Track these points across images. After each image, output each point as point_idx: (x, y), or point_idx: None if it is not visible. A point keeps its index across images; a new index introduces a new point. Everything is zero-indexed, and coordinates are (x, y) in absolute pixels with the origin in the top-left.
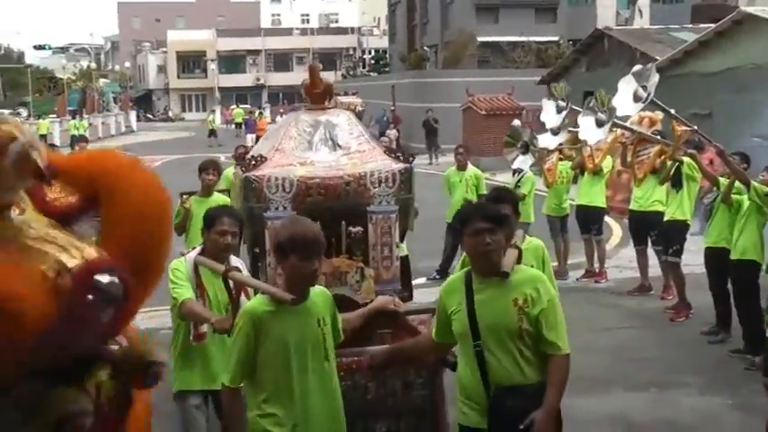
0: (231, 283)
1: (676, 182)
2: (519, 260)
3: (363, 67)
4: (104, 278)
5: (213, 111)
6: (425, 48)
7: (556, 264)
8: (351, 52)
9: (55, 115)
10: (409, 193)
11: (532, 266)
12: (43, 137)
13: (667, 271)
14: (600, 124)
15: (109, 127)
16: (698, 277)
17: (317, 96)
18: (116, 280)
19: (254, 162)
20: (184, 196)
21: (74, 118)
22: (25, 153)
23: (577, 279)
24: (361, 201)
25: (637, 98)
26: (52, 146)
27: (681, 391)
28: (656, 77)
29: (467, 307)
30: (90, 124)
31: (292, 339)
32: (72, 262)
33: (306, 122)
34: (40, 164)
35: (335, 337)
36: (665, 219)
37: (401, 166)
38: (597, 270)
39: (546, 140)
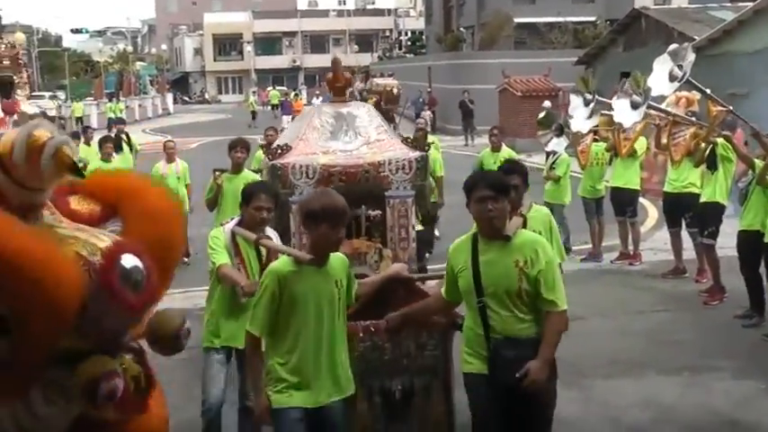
0: (263, 250)
1: (711, 163)
2: (524, 227)
3: (400, 49)
4: (129, 261)
5: (254, 92)
6: (462, 29)
7: (591, 246)
8: (387, 34)
9: (92, 98)
10: (425, 179)
11: (540, 233)
12: (79, 119)
13: (702, 253)
14: (635, 106)
15: (146, 109)
16: (732, 260)
17: (338, 90)
18: (140, 265)
19: (279, 151)
20: (217, 173)
21: (110, 101)
22: (61, 148)
23: (612, 261)
24: (379, 186)
25: (672, 78)
26: (89, 128)
27: (714, 375)
28: (691, 57)
29: (472, 266)
30: (127, 107)
31: (312, 297)
32: (103, 244)
33: (328, 114)
34: (75, 159)
35: (349, 299)
36: (702, 201)
37: (417, 154)
38: (632, 252)
39: (578, 124)
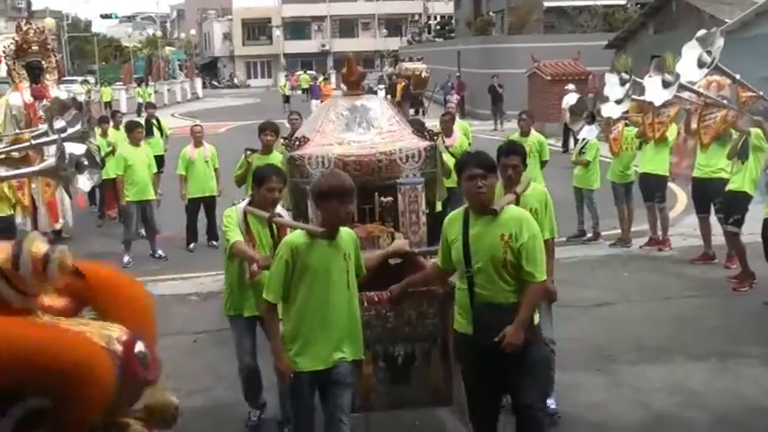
0: (274, 226)
1: (742, 153)
2: (516, 204)
3: (429, 33)
4: (140, 346)
5: (287, 76)
6: (491, 13)
7: (619, 231)
8: (416, 18)
9: (121, 83)
10: (434, 167)
11: (536, 209)
12: (107, 104)
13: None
14: (666, 85)
15: (174, 94)
16: (760, 246)
17: (352, 84)
18: (144, 349)
19: (297, 143)
20: (248, 152)
21: (139, 85)
22: (63, 258)
23: (641, 247)
24: (391, 175)
25: (701, 64)
26: (117, 112)
27: (743, 361)
28: (720, 42)
29: (462, 238)
30: (156, 91)
31: (322, 267)
32: (115, 333)
33: (343, 107)
34: (74, 264)
35: (358, 271)
36: (729, 189)
37: (426, 143)
38: (661, 238)
39: (609, 109)
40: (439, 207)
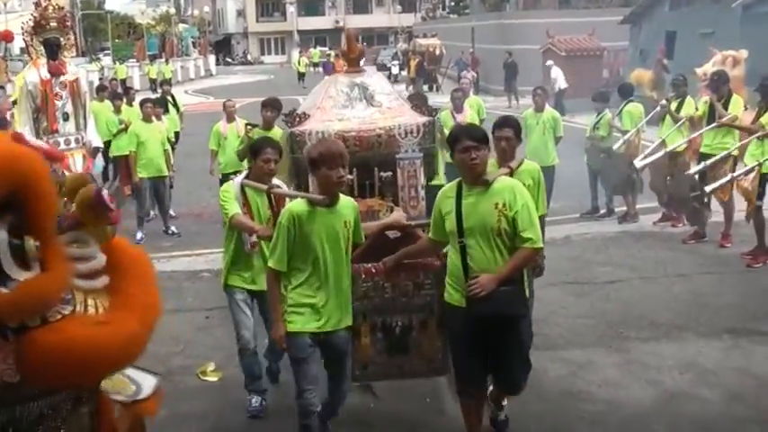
0: (273, 198)
1: None
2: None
3: (443, 9)
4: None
5: (301, 53)
6: None
7: (625, 208)
8: None
9: (134, 60)
10: (433, 142)
11: (529, 185)
12: (122, 81)
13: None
14: None
15: (188, 71)
16: None
17: (353, 61)
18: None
19: (298, 119)
20: (248, 127)
21: (152, 62)
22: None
23: (654, 223)
24: (390, 150)
25: None
26: (130, 89)
27: (755, 339)
28: None
29: (455, 209)
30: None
31: (323, 234)
32: None
33: (343, 83)
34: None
35: (357, 238)
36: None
37: (425, 119)
38: (674, 214)
39: None
40: (442, 180)
